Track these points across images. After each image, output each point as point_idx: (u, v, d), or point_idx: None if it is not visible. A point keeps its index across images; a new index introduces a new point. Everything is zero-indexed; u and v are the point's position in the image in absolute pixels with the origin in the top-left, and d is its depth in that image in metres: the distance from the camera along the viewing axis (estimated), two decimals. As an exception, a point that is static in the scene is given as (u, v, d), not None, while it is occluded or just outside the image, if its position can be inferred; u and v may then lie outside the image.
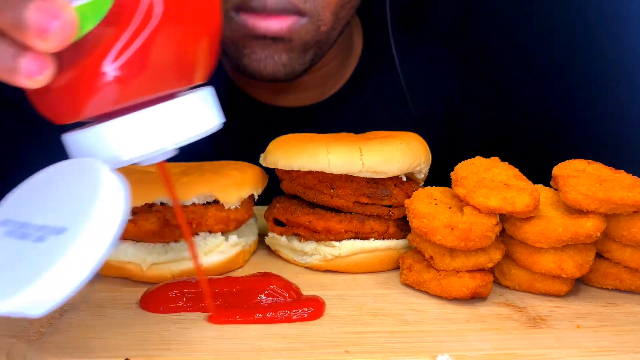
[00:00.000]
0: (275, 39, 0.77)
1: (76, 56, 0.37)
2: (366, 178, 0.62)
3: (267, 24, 0.75)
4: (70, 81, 0.37)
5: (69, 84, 0.37)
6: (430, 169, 0.68)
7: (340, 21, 0.83)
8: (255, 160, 0.69)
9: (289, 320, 0.50)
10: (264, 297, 0.52)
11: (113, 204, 0.35)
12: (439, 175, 0.67)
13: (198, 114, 0.42)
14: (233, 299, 0.53)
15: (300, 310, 0.50)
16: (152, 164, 0.44)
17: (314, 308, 0.51)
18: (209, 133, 0.43)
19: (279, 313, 0.50)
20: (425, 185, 0.65)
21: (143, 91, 0.39)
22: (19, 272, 0.33)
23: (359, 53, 0.99)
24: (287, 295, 0.53)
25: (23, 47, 0.36)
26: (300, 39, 0.78)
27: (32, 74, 0.36)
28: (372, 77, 0.98)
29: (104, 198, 0.35)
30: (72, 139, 0.40)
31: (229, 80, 0.95)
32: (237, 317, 0.49)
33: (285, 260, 0.68)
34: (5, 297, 0.32)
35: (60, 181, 0.38)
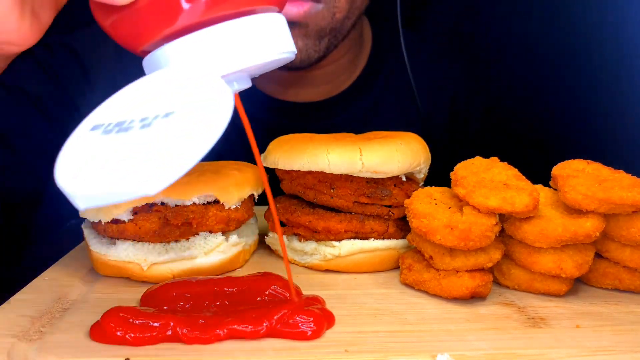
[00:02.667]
0: (291, 24, 0.78)
1: None
2: (366, 178, 0.63)
3: (285, 8, 0.77)
4: None
5: (154, 1, 0.38)
6: (436, 169, 0.68)
7: (354, 11, 0.84)
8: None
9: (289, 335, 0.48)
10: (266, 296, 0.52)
11: (216, 88, 0.35)
12: (439, 175, 0.67)
13: (275, 33, 0.42)
14: (234, 299, 0.53)
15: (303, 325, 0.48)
16: (236, 90, 0.43)
17: (316, 327, 0.48)
18: (286, 57, 0.43)
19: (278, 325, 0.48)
20: (425, 185, 0.65)
21: (225, 6, 0.39)
22: (134, 154, 0.33)
23: (368, 51, 1.00)
24: (288, 295, 0.53)
25: None
26: (316, 24, 0.80)
27: None
28: (381, 75, 0.99)
29: (204, 82, 0.35)
30: (153, 58, 0.40)
31: None
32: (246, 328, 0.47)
33: (285, 260, 0.68)
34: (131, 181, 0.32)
35: (154, 87, 0.38)
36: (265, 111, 0.96)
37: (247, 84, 0.44)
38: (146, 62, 0.42)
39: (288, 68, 0.82)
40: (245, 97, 0.99)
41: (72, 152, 0.36)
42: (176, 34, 0.40)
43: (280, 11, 0.44)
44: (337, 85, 0.97)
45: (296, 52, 0.45)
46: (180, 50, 0.39)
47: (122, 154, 0.34)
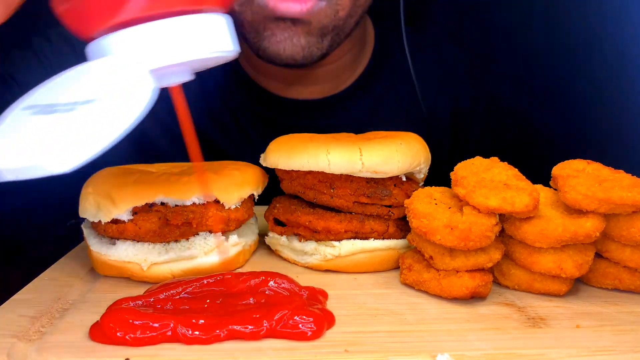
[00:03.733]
0: (294, 21, 0.79)
1: None
2: (366, 178, 0.63)
3: (288, 5, 0.78)
4: None
5: None
6: (436, 169, 0.69)
7: (357, 9, 0.84)
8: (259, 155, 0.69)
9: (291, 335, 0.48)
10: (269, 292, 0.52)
11: (140, 80, 0.38)
12: (439, 175, 0.67)
13: (216, 32, 0.44)
14: (234, 298, 0.53)
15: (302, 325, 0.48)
16: (169, 84, 0.46)
17: (316, 327, 0.48)
18: (224, 56, 0.45)
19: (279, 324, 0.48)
20: (425, 185, 0.65)
21: (169, 2, 0.41)
22: (53, 135, 0.36)
23: (371, 50, 1.00)
24: (291, 293, 0.53)
25: None
26: (319, 22, 0.80)
27: None
28: (383, 73, 0.99)
29: (130, 73, 0.38)
30: (95, 46, 0.43)
31: (243, 74, 0.96)
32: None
33: (285, 260, 0.68)
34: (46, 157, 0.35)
35: (84, 74, 0.42)
36: (268, 109, 0.96)
37: (188, 77, 0.46)
38: (89, 49, 0.44)
39: (290, 66, 0.83)
40: (248, 94, 0.99)
41: (2, 127, 0.39)
42: (121, 26, 0.42)
43: (225, 11, 0.46)
44: (339, 83, 0.98)
45: (238, 51, 0.46)
46: (118, 42, 0.42)
47: (44, 133, 0.37)
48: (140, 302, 0.50)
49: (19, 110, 0.40)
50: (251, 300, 0.51)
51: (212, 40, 0.44)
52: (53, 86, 0.42)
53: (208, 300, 0.51)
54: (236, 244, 0.64)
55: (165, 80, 0.45)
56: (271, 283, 0.54)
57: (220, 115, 0.95)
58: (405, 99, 0.99)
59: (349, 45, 0.94)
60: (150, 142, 0.95)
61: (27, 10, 0.51)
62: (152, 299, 0.51)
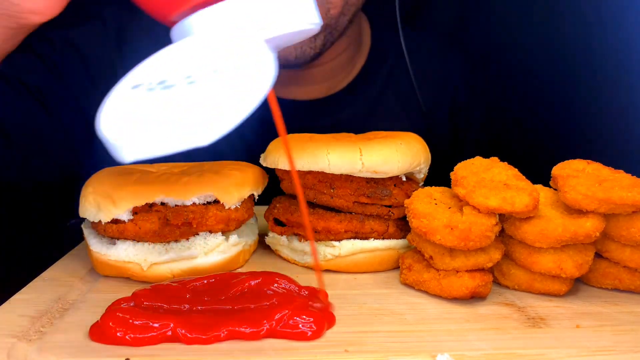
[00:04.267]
0: None
1: None
2: (366, 178, 0.63)
3: None
4: None
5: None
6: (436, 169, 0.69)
7: (349, 7, 0.84)
8: (259, 155, 0.69)
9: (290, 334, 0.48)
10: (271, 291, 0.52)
11: (263, 55, 0.37)
12: (439, 175, 0.67)
13: (300, 4, 0.43)
14: (235, 297, 0.53)
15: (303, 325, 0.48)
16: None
17: (317, 327, 0.48)
18: (310, 29, 0.44)
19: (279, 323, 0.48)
20: (425, 185, 0.65)
21: None
22: (186, 111, 0.35)
23: (367, 49, 1.00)
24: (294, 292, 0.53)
25: None
26: None
27: None
28: (380, 72, 0.99)
29: (254, 47, 0.37)
30: (180, 27, 0.42)
31: None
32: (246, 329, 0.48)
33: (285, 260, 0.68)
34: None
35: (192, 50, 0.40)
36: (264, 109, 0.96)
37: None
38: (176, 30, 0.43)
39: (285, 66, 0.83)
40: None
41: (116, 107, 0.37)
42: (204, 4, 0.41)
43: None
44: (335, 82, 0.98)
45: (321, 24, 0.46)
46: (213, 18, 0.41)
47: (170, 108, 0.35)
48: (146, 303, 0.50)
49: (127, 89, 0.38)
50: (251, 300, 0.51)
51: (298, 13, 0.43)
52: (154, 64, 0.40)
53: (207, 298, 0.51)
54: (236, 244, 0.64)
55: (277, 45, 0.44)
56: (271, 283, 0.54)
57: None
58: (403, 97, 0.99)
59: (344, 45, 0.94)
60: None
61: None
62: (147, 303, 0.51)
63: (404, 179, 0.65)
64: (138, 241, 0.60)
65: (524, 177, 0.57)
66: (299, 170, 0.63)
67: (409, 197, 0.62)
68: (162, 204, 0.60)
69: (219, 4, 0.41)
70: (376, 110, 0.98)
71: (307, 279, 0.60)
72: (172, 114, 0.34)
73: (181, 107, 0.34)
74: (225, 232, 0.64)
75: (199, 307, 0.50)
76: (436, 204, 0.57)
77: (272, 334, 0.47)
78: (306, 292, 0.54)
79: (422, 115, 0.98)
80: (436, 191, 0.61)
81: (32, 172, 0.83)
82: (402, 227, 0.65)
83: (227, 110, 0.34)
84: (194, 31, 0.41)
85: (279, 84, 0.96)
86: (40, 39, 0.86)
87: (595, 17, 1.02)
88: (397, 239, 0.64)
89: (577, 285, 0.59)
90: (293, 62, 0.83)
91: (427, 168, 0.68)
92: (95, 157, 0.92)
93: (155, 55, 0.41)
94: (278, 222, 0.68)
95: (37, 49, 0.86)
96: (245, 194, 0.64)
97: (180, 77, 0.37)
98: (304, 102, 0.96)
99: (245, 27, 0.40)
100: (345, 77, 0.98)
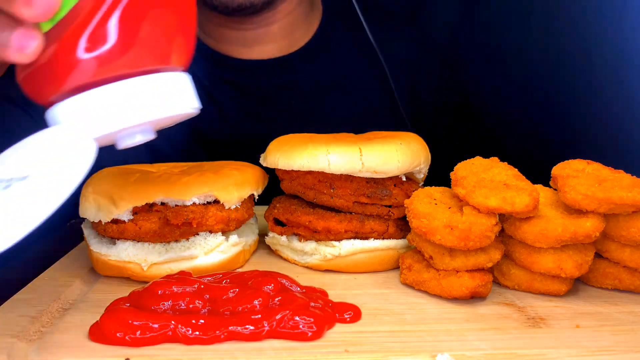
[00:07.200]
0: None
1: (59, 32, 0.39)
2: (366, 178, 0.63)
3: None
4: (53, 55, 0.39)
5: (52, 59, 0.39)
6: (436, 168, 0.69)
7: None
8: (256, 151, 0.70)
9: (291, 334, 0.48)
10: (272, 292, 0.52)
11: (76, 156, 0.38)
12: (439, 175, 0.67)
13: (175, 92, 0.43)
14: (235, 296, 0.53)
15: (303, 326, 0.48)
16: (134, 144, 0.44)
17: (317, 327, 0.48)
18: (185, 113, 0.44)
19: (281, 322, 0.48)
20: (425, 185, 0.65)
21: (120, 66, 0.40)
22: None
23: (320, 10, 1.06)
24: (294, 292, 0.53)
25: (13, 23, 0.38)
26: None
27: (22, 48, 0.38)
28: (336, 35, 1.05)
29: (67, 150, 0.38)
30: (53, 113, 0.41)
31: (205, 48, 1.02)
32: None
33: (285, 260, 0.68)
34: None
35: (32, 145, 0.41)
36: (231, 71, 1.01)
37: (152, 136, 0.44)
38: (46, 117, 0.43)
39: (242, 10, 0.90)
40: (215, 63, 1.09)
41: None
42: (76, 91, 0.40)
43: (185, 70, 0.45)
44: (295, 40, 1.03)
45: (199, 107, 0.45)
46: (67, 109, 0.40)
47: None
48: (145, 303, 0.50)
49: None
50: (251, 300, 0.51)
51: (167, 100, 0.42)
52: (2, 159, 0.41)
53: (207, 296, 0.51)
54: (236, 244, 0.64)
55: (129, 140, 0.43)
56: (271, 283, 0.54)
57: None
58: (362, 58, 1.04)
59: (295, 1, 1.00)
60: (150, 145, 0.96)
61: None
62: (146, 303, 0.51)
63: (404, 179, 0.65)
64: (138, 241, 0.60)
65: (524, 177, 0.57)
66: (299, 171, 0.63)
67: (409, 197, 0.62)
68: (162, 204, 0.60)
69: (84, 93, 0.40)
70: (341, 66, 1.03)
71: (308, 279, 0.60)
72: None
73: None
74: (225, 232, 0.64)
75: (199, 306, 0.50)
76: (436, 204, 0.57)
77: (273, 335, 0.47)
78: (306, 292, 0.54)
79: (382, 74, 1.03)
80: (436, 191, 0.61)
81: None
82: (402, 227, 0.65)
83: (21, 217, 0.35)
84: (53, 122, 0.42)
85: (241, 46, 1.00)
86: (17, 88, 0.87)
87: (596, 16, 1.03)
88: (397, 239, 0.64)
89: (577, 285, 0.59)
90: (248, 6, 0.90)
91: (427, 168, 0.68)
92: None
93: (7, 150, 0.42)
94: (278, 222, 0.68)
95: (18, 99, 0.87)
96: (245, 194, 0.64)
97: (3, 179, 0.38)
98: (269, 60, 1.01)
99: (111, 114, 0.40)
100: (304, 35, 1.04)
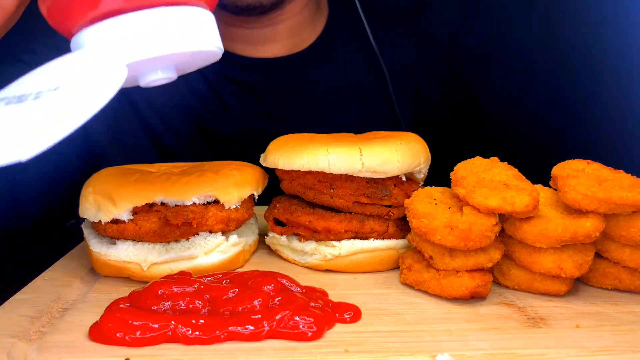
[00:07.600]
0: None
1: None
2: (366, 178, 0.63)
3: None
4: None
5: None
6: (436, 168, 0.69)
7: None
8: (260, 153, 0.70)
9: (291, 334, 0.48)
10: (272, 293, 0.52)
11: (108, 70, 0.38)
12: (439, 175, 0.67)
13: (202, 27, 0.43)
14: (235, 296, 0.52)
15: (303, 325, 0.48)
16: (155, 83, 0.44)
17: (317, 327, 0.48)
18: (209, 51, 0.43)
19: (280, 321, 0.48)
20: (425, 185, 0.65)
21: None
22: (16, 123, 0.36)
23: (326, 11, 1.07)
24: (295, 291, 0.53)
25: None
26: None
27: None
28: (341, 35, 1.05)
29: (98, 63, 0.38)
30: (79, 38, 0.42)
31: None
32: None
33: (285, 260, 0.68)
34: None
35: (60, 65, 0.41)
36: (238, 69, 1.01)
37: (173, 74, 0.44)
38: (71, 44, 0.43)
39: (252, 9, 0.91)
40: (221, 60, 1.09)
41: None
42: (100, 18, 0.41)
43: (210, 9, 0.45)
44: (301, 40, 1.03)
45: (222, 49, 0.45)
46: (94, 34, 0.41)
47: (13, 122, 0.36)
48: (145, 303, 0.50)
49: None
50: (251, 300, 0.51)
51: (193, 35, 0.42)
52: (27, 79, 0.41)
53: (207, 296, 0.51)
54: (236, 244, 0.64)
55: (151, 75, 0.43)
56: (271, 283, 0.54)
57: (198, 85, 1.00)
58: (367, 59, 1.04)
59: (303, 1, 1.01)
60: (156, 138, 0.97)
61: (13, 27, 0.51)
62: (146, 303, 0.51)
63: (404, 179, 0.65)
64: (138, 241, 0.60)
65: (524, 177, 0.57)
66: (299, 171, 0.63)
67: (409, 197, 0.62)
68: (162, 204, 0.60)
69: (105, 21, 0.40)
70: (345, 68, 1.04)
71: (308, 279, 0.60)
72: (10, 128, 0.36)
73: (19, 122, 0.36)
74: (225, 232, 0.64)
75: (199, 306, 0.50)
76: (436, 204, 0.57)
77: (273, 335, 0.47)
78: (306, 293, 0.54)
79: (383, 74, 1.03)
80: (436, 191, 0.61)
81: (30, 172, 0.84)
82: (402, 227, 0.65)
83: (50, 126, 0.35)
84: (79, 47, 0.42)
85: (248, 44, 1.01)
86: (24, 50, 0.87)
87: (596, 16, 1.03)
88: (397, 239, 0.64)
89: (577, 285, 0.59)
90: (256, 6, 0.90)
91: (427, 168, 0.68)
92: (93, 157, 0.92)
93: (32, 72, 0.42)
94: (278, 222, 0.68)
95: (24, 60, 0.88)
96: (245, 194, 0.64)
97: (32, 92, 0.38)
98: (275, 59, 1.02)
99: (139, 42, 0.40)
100: (310, 34, 1.04)
